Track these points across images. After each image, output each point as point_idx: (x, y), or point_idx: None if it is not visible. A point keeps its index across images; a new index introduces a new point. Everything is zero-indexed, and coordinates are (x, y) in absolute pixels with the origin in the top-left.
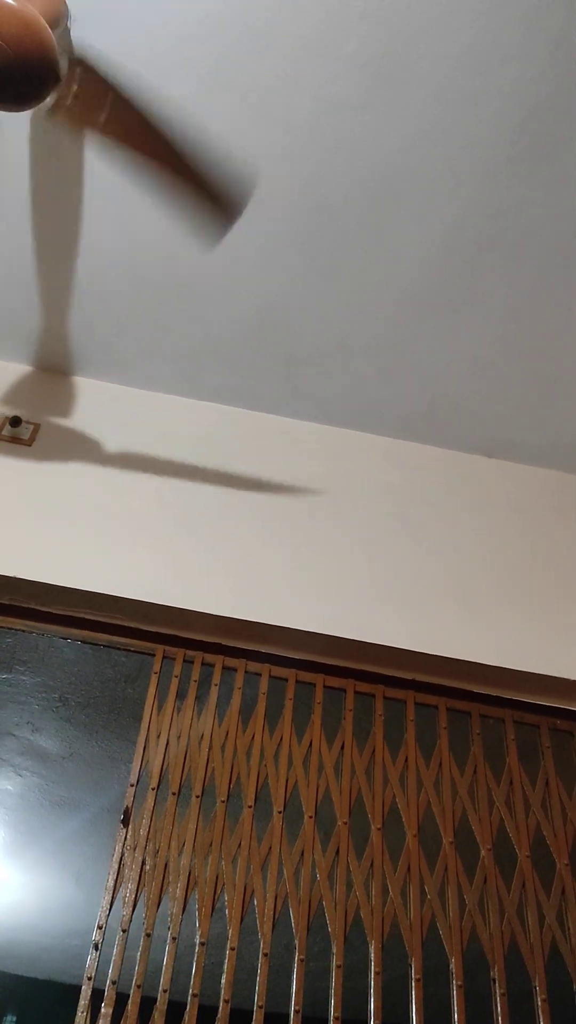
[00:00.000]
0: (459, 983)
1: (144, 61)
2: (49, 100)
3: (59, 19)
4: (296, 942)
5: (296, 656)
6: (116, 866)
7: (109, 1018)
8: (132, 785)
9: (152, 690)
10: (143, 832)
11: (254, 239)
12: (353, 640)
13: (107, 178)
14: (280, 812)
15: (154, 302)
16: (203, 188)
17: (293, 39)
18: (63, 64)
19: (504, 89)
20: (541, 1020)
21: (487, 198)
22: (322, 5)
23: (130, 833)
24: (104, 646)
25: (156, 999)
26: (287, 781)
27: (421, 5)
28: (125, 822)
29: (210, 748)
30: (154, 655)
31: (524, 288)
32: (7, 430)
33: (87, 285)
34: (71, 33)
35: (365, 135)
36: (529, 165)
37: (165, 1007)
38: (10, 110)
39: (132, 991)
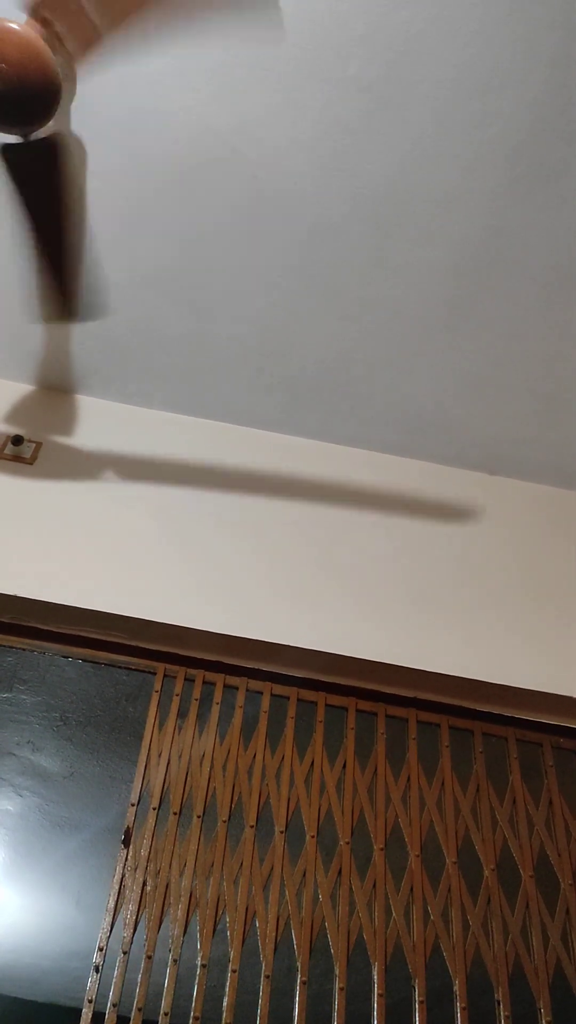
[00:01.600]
0: (463, 1005)
1: (143, 78)
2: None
3: (65, 44)
4: (298, 964)
5: (297, 674)
6: (117, 887)
7: None
8: (133, 805)
9: (153, 709)
10: (144, 852)
11: (254, 258)
12: (355, 658)
13: (109, 198)
14: (282, 832)
15: (155, 321)
16: (63, 285)
17: (293, 62)
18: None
19: (503, 111)
20: None
21: (486, 219)
22: (322, 28)
23: (131, 853)
24: (105, 664)
25: (157, 1022)
26: (289, 800)
27: (420, 28)
28: (126, 842)
29: (211, 767)
30: (155, 673)
31: (523, 308)
32: (9, 449)
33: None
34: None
35: (365, 157)
36: (528, 186)
37: None
38: (12, 133)
39: (133, 1014)
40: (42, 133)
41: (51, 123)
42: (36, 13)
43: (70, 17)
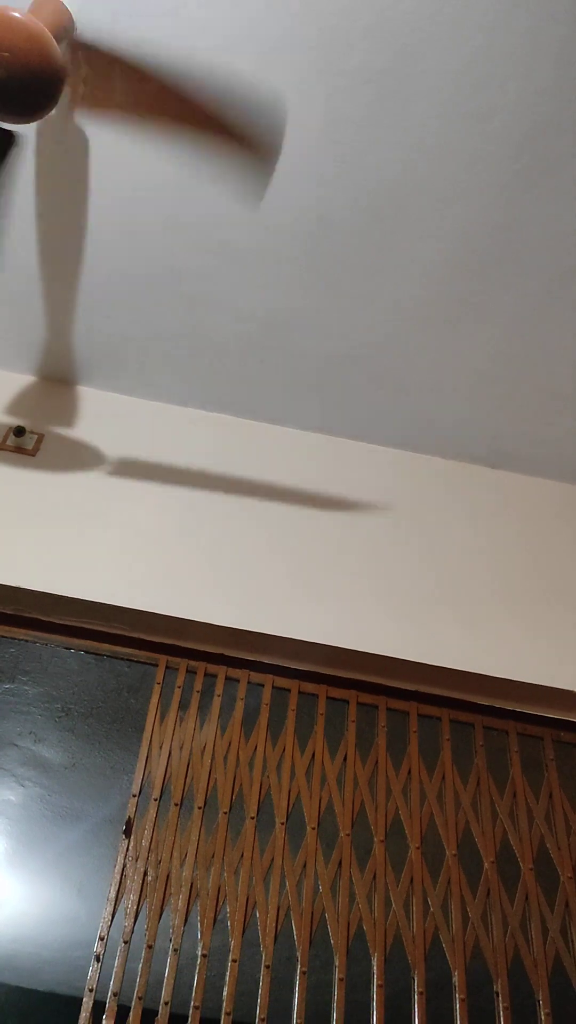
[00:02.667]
0: (462, 996)
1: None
2: (63, 96)
3: (65, 31)
4: (298, 954)
5: (299, 667)
6: (118, 877)
7: None
8: (134, 796)
9: (155, 700)
10: (145, 843)
11: (258, 251)
12: (356, 651)
13: (112, 190)
14: (283, 824)
15: (158, 313)
16: (235, 135)
17: (297, 54)
18: (68, 68)
19: (507, 104)
20: None
21: (490, 213)
22: (326, 20)
23: (132, 844)
24: (107, 656)
25: (158, 1011)
26: (290, 792)
27: (424, 20)
28: (127, 833)
29: (212, 759)
30: (157, 665)
31: (527, 301)
32: (11, 440)
33: (91, 296)
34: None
35: (368, 150)
36: (532, 180)
37: (167, 1019)
38: (16, 122)
39: (134, 1003)
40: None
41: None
42: (66, 35)
43: (98, 71)
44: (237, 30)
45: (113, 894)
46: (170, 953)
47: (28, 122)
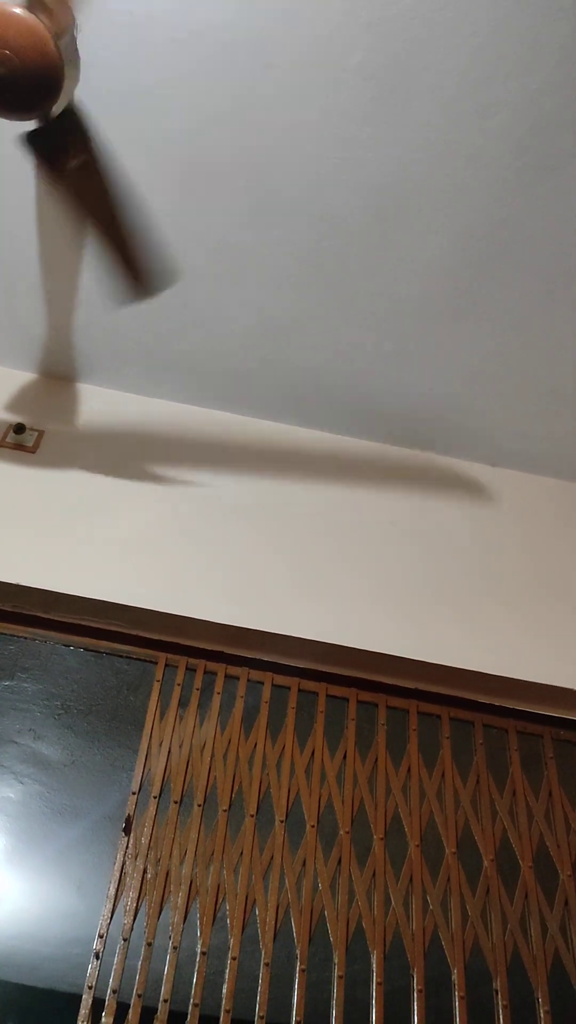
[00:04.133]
0: (461, 994)
1: (145, 68)
2: (31, 132)
3: (66, 28)
4: (298, 952)
5: (299, 665)
6: (117, 874)
7: None
8: (134, 793)
9: (154, 698)
10: (145, 840)
11: (257, 248)
12: (356, 649)
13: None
14: (282, 821)
15: (158, 310)
16: (130, 264)
17: (298, 50)
18: (69, 74)
19: (509, 101)
20: None
21: (491, 210)
22: (327, 15)
23: (132, 841)
24: (106, 654)
25: (157, 1009)
26: (289, 790)
27: (426, 17)
28: (127, 830)
29: (212, 756)
30: (156, 663)
31: (528, 299)
32: (11, 437)
33: (91, 293)
34: (77, 42)
35: (369, 146)
36: (533, 177)
37: (166, 1017)
38: (15, 119)
39: (133, 1000)
40: (59, 109)
41: (59, 104)
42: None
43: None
44: (237, 26)
45: (113, 891)
46: (169, 950)
47: (27, 119)
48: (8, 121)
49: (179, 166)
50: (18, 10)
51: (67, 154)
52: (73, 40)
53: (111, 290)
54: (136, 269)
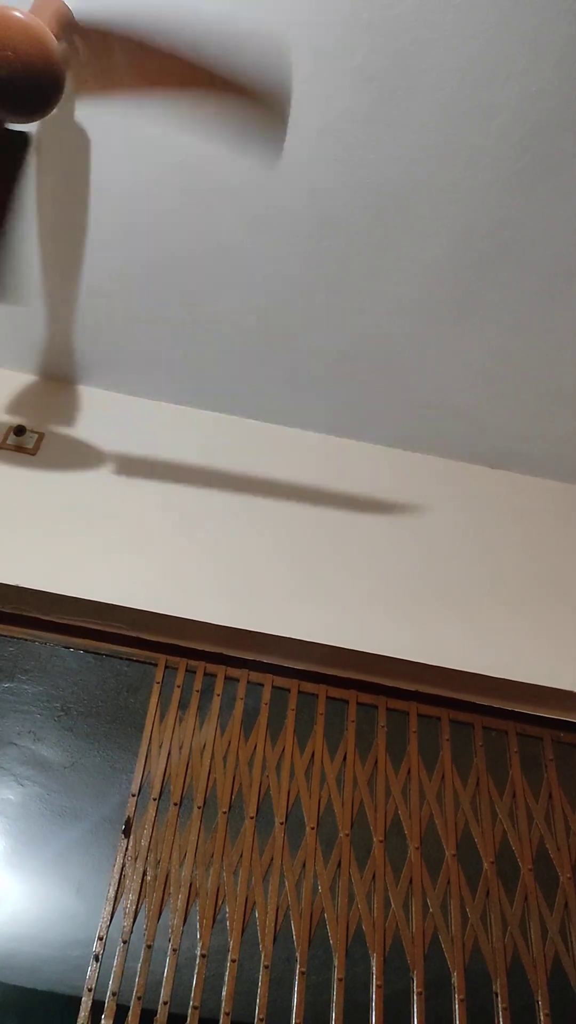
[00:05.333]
0: (461, 997)
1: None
2: (69, 83)
3: (66, 30)
4: (297, 954)
5: (298, 667)
6: (117, 877)
7: None
8: (134, 795)
9: (154, 700)
10: (144, 843)
11: (258, 249)
12: (356, 650)
13: (112, 188)
14: (282, 823)
15: (158, 312)
16: (243, 90)
17: (298, 51)
18: (69, 57)
19: (509, 103)
20: None
21: (491, 211)
22: (328, 16)
23: (131, 843)
24: (106, 656)
25: (157, 1011)
26: (289, 792)
27: (427, 19)
28: (126, 832)
29: (212, 758)
30: (156, 665)
31: (527, 300)
32: (12, 439)
33: (91, 295)
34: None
35: (369, 148)
36: (533, 178)
37: (166, 1019)
38: (18, 121)
39: (132, 1003)
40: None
41: (52, 112)
42: (67, 32)
43: (97, 52)
44: (237, 27)
45: (112, 894)
46: (169, 953)
47: (30, 121)
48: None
49: (179, 168)
50: (19, 13)
51: (110, 66)
52: (74, 42)
53: (259, 141)
54: (256, 95)
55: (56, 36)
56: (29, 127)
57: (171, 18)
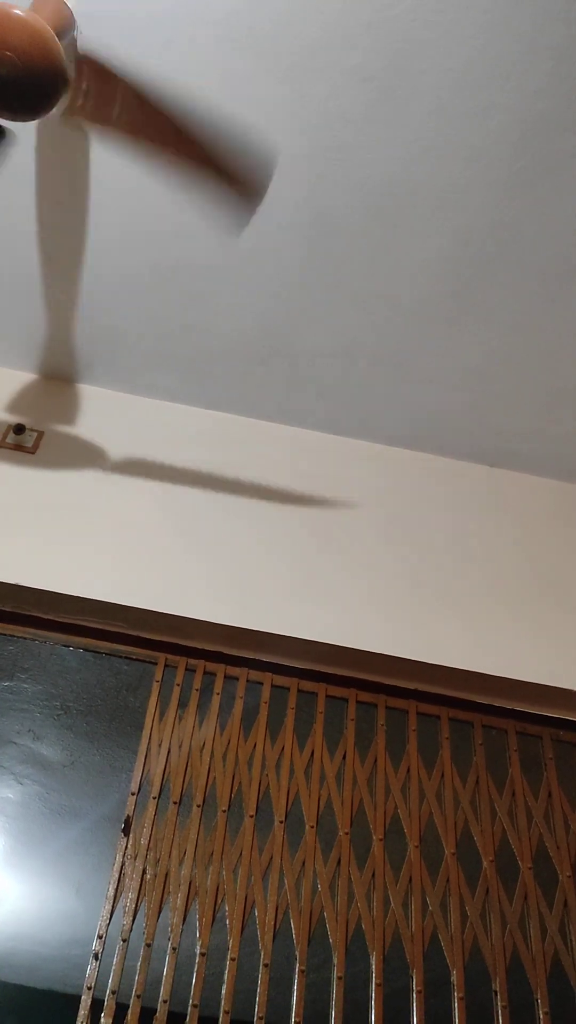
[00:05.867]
0: (460, 995)
1: (142, 68)
2: (62, 102)
3: (66, 29)
4: (297, 953)
5: (298, 665)
6: (117, 875)
7: None
8: (133, 794)
9: (154, 698)
10: (144, 841)
11: (257, 249)
12: (355, 649)
13: (113, 188)
14: (281, 822)
15: (158, 311)
16: (223, 171)
17: (297, 51)
18: (70, 71)
19: (507, 103)
20: None
21: (489, 211)
22: (326, 16)
23: (131, 842)
24: (106, 654)
25: (156, 1010)
26: (288, 791)
27: (424, 19)
28: (126, 831)
29: (212, 757)
30: (156, 663)
31: (526, 300)
32: (11, 438)
33: (92, 294)
34: (78, 42)
35: (368, 147)
36: (531, 179)
37: (165, 1018)
38: (19, 120)
39: (132, 1001)
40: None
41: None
42: (81, 66)
43: (99, 85)
44: (234, 24)
45: (112, 892)
46: (169, 951)
47: (30, 120)
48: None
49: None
50: (20, 11)
51: (105, 102)
52: (74, 41)
53: (225, 215)
54: (232, 174)
55: (57, 35)
56: (30, 124)
57: (172, 79)
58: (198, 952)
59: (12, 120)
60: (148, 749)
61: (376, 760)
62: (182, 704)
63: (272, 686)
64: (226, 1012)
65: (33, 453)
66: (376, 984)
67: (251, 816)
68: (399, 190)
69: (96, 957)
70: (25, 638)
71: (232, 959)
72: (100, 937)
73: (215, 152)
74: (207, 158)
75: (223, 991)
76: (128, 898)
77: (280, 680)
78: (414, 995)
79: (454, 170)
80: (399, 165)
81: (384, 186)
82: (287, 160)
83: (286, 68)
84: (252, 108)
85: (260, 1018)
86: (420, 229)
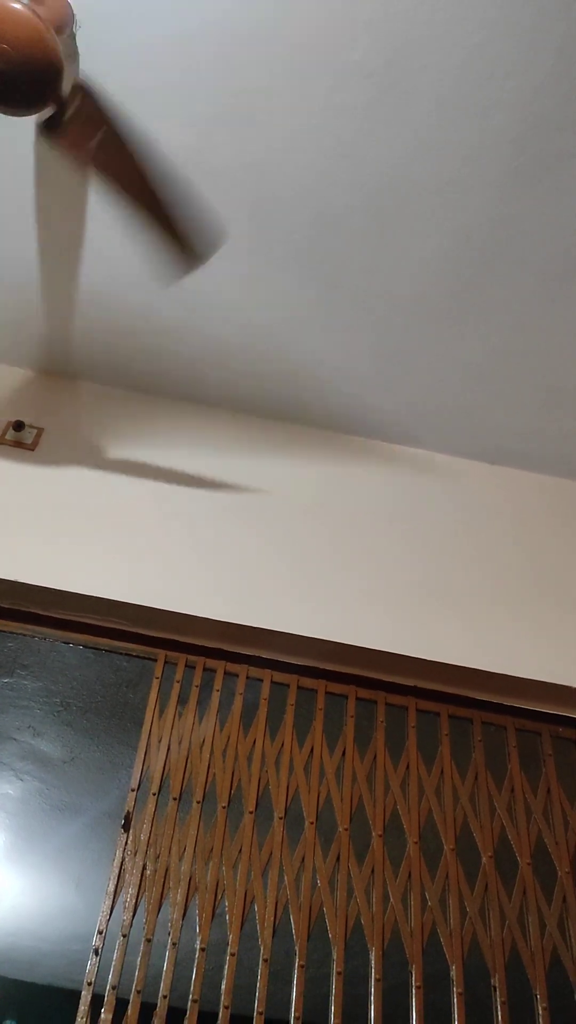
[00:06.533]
0: (459, 990)
1: (142, 66)
2: (47, 120)
3: (65, 24)
4: (296, 948)
5: (298, 662)
6: (117, 871)
7: (109, 1023)
8: (133, 790)
9: (154, 695)
10: (144, 837)
11: (256, 246)
12: (355, 646)
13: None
14: (281, 818)
15: (157, 308)
16: (172, 232)
17: (297, 47)
18: (68, 70)
19: (507, 100)
20: None
21: (490, 209)
22: (327, 12)
23: (131, 838)
24: (106, 651)
25: (156, 1005)
26: (288, 787)
27: (425, 15)
28: (126, 827)
29: (211, 753)
30: (156, 660)
31: (526, 298)
32: (11, 434)
33: (91, 290)
34: (76, 38)
35: (368, 144)
36: (532, 176)
37: (165, 1013)
38: (14, 114)
39: (132, 996)
40: (67, 88)
41: (66, 82)
42: (75, 94)
43: (82, 113)
44: (236, 20)
45: (112, 888)
46: (169, 947)
47: (27, 115)
48: (6, 117)
49: (176, 164)
50: (17, 5)
51: (86, 134)
52: (72, 36)
53: (161, 266)
54: (181, 237)
55: (55, 30)
56: (28, 119)
57: (154, 132)
58: (198, 947)
59: (7, 114)
60: (148, 745)
61: (375, 756)
62: (182, 701)
63: (272, 683)
64: (226, 1007)
65: (32, 450)
66: (375, 979)
67: (251, 812)
68: (399, 187)
69: (96, 952)
70: (25, 635)
71: (232, 954)
72: (100, 933)
73: (170, 212)
74: (162, 216)
75: (223, 986)
76: (128, 894)
77: (280, 677)
78: (413, 990)
79: (454, 167)
80: (399, 161)
81: (383, 184)
82: (286, 157)
83: (285, 63)
84: (251, 103)
85: (260, 1013)
86: (419, 227)
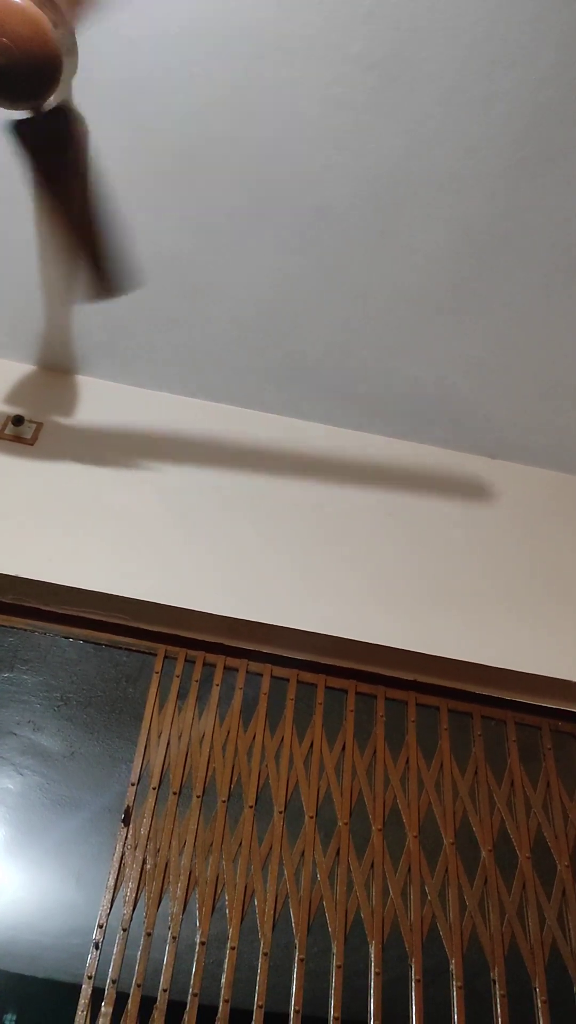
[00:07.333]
0: (459, 984)
1: (142, 57)
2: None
3: (64, 18)
4: (296, 942)
5: (297, 656)
6: (117, 865)
7: (109, 1017)
8: (133, 784)
9: (154, 690)
10: (144, 831)
11: (258, 239)
12: (354, 640)
13: (110, 177)
14: (281, 812)
15: (157, 302)
16: (97, 264)
17: (298, 39)
18: (68, 65)
19: (510, 92)
20: (541, 1021)
21: (492, 201)
22: (328, 4)
23: (131, 832)
24: (106, 645)
25: (156, 998)
26: (288, 781)
27: (427, 6)
28: (126, 821)
29: (211, 748)
30: (156, 655)
31: (528, 291)
32: (10, 429)
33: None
34: (75, 32)
35: (370, 137)
36: (534, 168)
37: (165, 1006)
38: (13, 108)
39: (132, 990)
40: (51, 104)
41: (53, 98)
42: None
43: (56, 143)
44: (235, 15)
45: (112, 882)
46: (169, 941)
47: (27, 109)
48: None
49: (177, 156)
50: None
51: (53, 151)
52: (71, 30)
53: (75, 285)
54: (103, 271)
55: (54, 24)
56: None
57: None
58: (198, 941)
59: (6, 108)
60: (148, 740)
61: (375, 751)
62: (182, 695)
63: (272, 677)
64: (226, 1001)
65: (32, 444)
66: (375, 973)
67: (251, 806)
68: (401, 179)
69: (96, 946)
70: (25, 629)
71: (232, 948)
72: (100, 927)
73: (101, 246)
74: (92, 247)
75: (223, 980)
76: (128, 888)
77: (280, 671)
78: (413, 984)
79: (456, 159)
80: (400, 154)
81: (385, 175)
82: (286, 149)
83: (286, 56)
84: (251, 95)
85: (260, 1007)
86: (421, 219)
